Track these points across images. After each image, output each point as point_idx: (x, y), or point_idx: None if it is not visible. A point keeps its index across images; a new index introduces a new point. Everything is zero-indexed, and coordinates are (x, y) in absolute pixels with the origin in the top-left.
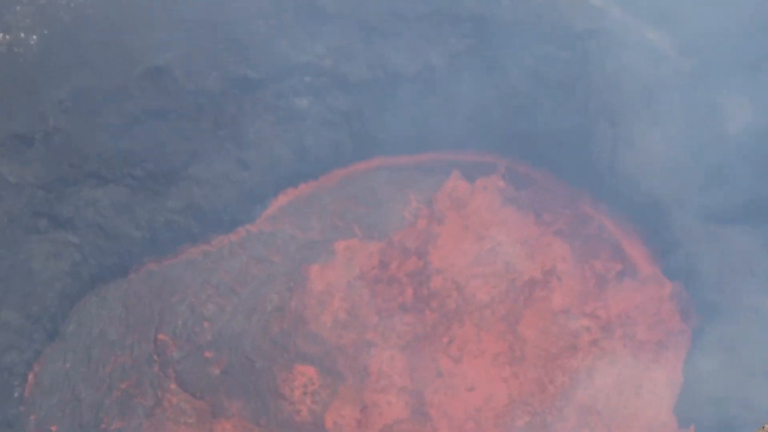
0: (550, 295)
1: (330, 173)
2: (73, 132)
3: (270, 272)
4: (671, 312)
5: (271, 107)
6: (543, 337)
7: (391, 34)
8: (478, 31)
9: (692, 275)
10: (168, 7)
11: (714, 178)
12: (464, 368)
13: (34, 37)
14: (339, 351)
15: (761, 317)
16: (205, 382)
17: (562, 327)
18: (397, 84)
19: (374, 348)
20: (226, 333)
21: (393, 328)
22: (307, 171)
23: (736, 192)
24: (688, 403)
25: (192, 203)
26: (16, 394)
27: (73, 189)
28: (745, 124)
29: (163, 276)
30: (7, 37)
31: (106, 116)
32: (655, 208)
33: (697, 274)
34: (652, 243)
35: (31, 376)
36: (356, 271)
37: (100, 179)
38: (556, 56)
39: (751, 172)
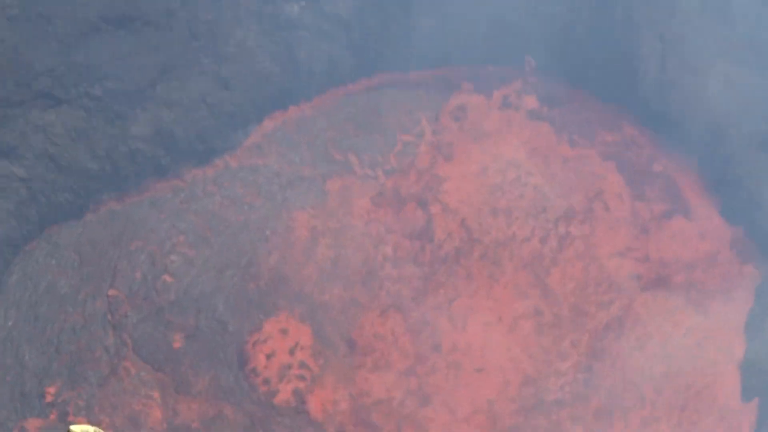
0: (592, 234)
1: (325, 93)
2: (19, 43)
3: (248, 217)
4: (730, 260)
5: (255, 13)
6: (581, 291)
7: None
8: None
9: (755, 216)
10: None
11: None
12: (471, 339)
13: None
14: (325, 312)
15: None
16: (166, 351)
17: (607, 275)
18: None
19: (365, 310)
20: (193, 291)
21: (390, 285)
22: (299, 90)
23: None
24: (752, 371)
25: (161, 129)
26: None
27: (18, 112)
28: None
29: (126, 217)
30: None
31: (58, 24)
32: (712, 135)
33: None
34: (709, 177)
35: None
36: (350, 218)
37: (52, 100)
38: None
39: None
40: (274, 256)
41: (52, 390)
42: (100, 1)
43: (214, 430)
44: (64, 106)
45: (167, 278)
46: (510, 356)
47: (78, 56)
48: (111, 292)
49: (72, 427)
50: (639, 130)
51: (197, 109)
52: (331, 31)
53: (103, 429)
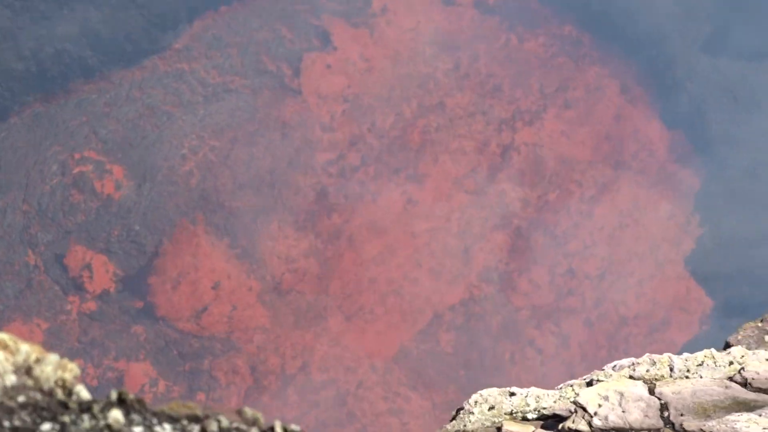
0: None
1: None
2: None
3: (165, 130)
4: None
5: None
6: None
7: None
8: None
9: (694, 120)
10: None
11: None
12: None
13: None
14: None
15: None
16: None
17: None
18: None
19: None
20: (104, 211)
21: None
22: None
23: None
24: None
25: (88, 29)
26: None
27: None
28: None
29: (49, 119)
30: None
31: None
32: (654, 39)
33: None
34: (650, 81)
35: None
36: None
37: None
38: None
39: None
40: (191, 174)
41: None
42: None
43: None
44: None
45: (76, 195)
46: None
47: None
48: (24, 207)
49: None
50: (580, 31)
51: (126, 9)
52: None
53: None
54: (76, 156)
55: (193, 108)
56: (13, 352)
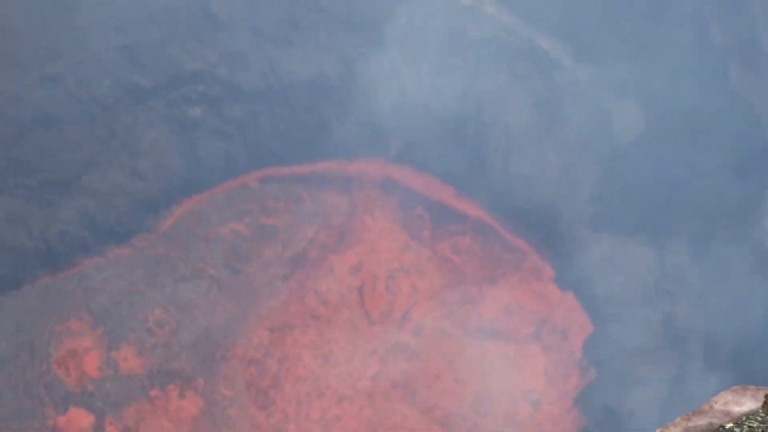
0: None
1: (224, 182)
2: None
3: (138, 304)
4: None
5: (164, 116)
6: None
7: (284, 42)
8: (369, 37)
9: (582, 284)
10: (59, 14)
11: (606, 186)
12: None
13: None
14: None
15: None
16: None
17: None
18: (292, 92)
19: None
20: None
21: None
22: (201, 181)
23: (628, 201)
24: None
25: (85, 214)
26: None
27: None
28: (636, 134)
29: (56, 290)
30: None
31: None
32: (548, 217)
33: (588, 283)
34: (546, 251)
35: None
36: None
37: None
38: (450, 63)
39: (639, 182)
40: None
41: None
42: (32, 107)
43: None
44: (4, 195)
45: (56, 369)
46: None
47: (15, 152)
48: (36, 364)
49: None
50: (489, 213)
51: (116, 197)
52: (228, 131)
53: None
54: (71, 324)
55: (163, 287)
56: None
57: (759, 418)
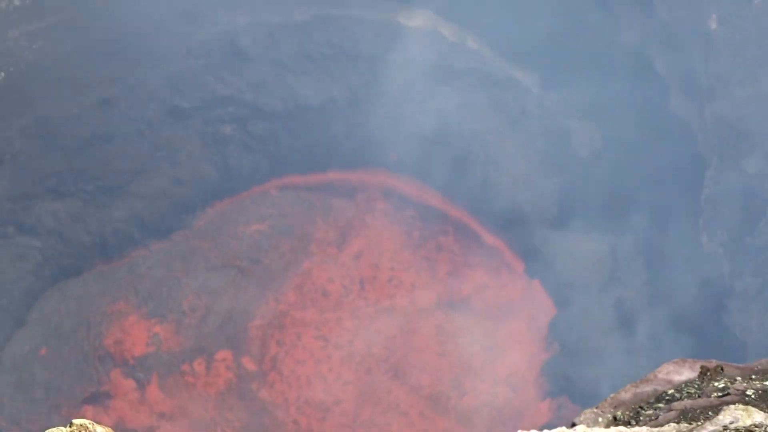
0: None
1: (249, 189)
2: (35, 153)
3: (176, 289)
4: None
5: (200, 132)
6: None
7: (300, 72)
8: (373, 68)
9: (547, 273)
10: (113, 48)
11: (567, 192)
12: None
13: (2, 73)
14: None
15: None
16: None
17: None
18: (306, 113)
19: None
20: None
21: None
22: (230, 186)
23: (585, 204)
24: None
25: (134, 214)
26: None
27: (35, 201)
28: (593, 149)
29: (109, 277)
30: None
31: (62, 140)
32: (518, 219)
33: (552, 272)
34: (517, 247)
35: None
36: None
37: (58, 193)
38: (438, 90)
39: (595, 189)
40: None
41: (57, 397)
42: (91, 123)
43: None
44: (66, 198)
45: (107, 344)
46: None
47: (76, 163)
48: (91, 339)
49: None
50: (466, 216)
51: (159, 200)
52: (253, 145)
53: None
54: (120, 306)
55: (196, 275)
56: None
57: (695, 386)
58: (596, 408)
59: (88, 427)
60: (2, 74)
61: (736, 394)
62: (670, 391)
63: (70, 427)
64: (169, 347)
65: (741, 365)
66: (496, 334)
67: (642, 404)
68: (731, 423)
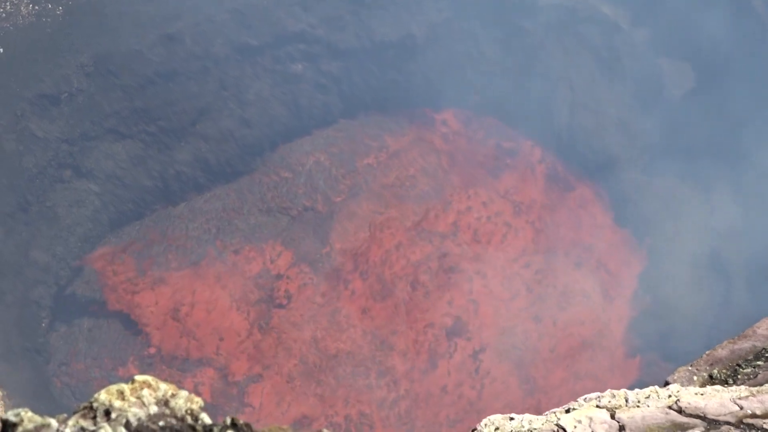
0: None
1: (319, 129)
2: (94, 92)
3: (250, 224)
4: (621, 252)
5: (269, 71)
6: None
7: (376, 6)
8: (454, 4)
9: (638, 223)
10: None
11: (659, 137)
12: None
13: (60, 7)
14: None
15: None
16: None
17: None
18: (382, 51)
19: None
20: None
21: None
22: (301, 127)
23: (678, 150)
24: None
25: (199, 157)
26: (43, 325)
27: (94, 143)
28: (686, 89)
29: (168, 217)
30: (36, 7)
31: (123, 78)
32: (608, 164)
33: (644, 222)
34: (605, 195)
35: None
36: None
37: (118, 135)
38: (521, 26)
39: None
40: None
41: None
42: (154, 60)
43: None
44: (127, 140)
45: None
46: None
47: (138, 102)
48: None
49: (136, 377)
50: (556, 160)
51: (226, 142)
52: (326, 84)
53: None
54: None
55: (269, 210)
56: (155, 390)
57: None
58: (690, 366)
59: (151, 384)
60: (60, 9)
61: None
62: None
63: (132, 383)
64: None
65: None
66: (587, 283)
67: (740, 362)
68: None
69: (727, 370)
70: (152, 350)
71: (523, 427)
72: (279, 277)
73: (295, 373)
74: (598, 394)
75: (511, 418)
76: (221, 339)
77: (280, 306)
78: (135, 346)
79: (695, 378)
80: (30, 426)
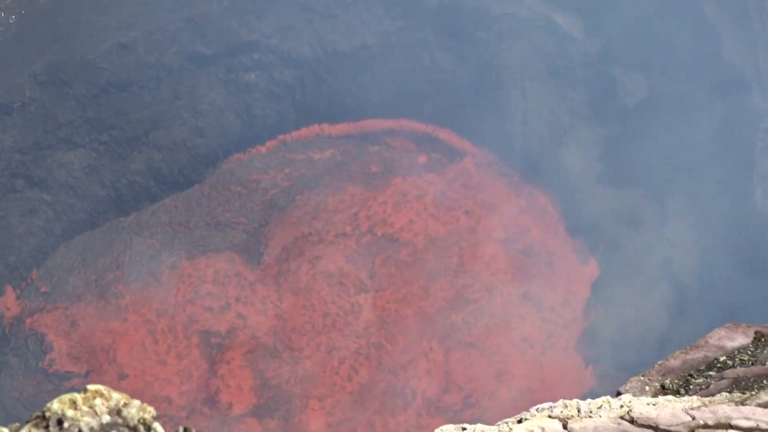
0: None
1: (274, 138)
2: (47, 102)
3: (204, 235)
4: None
5: (223, 80)
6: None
7: (329, 16)
8: (408, 13)
9: (591, 230)
10: None
11: (612, 146)
12: None
13: (13, 17)
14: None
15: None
16: None
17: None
18: (335, 60)
19: None
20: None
21: None
22: (254, 137)
23: (630, 158)
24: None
25: (152, 166)
26: None
27: (47, 153)
28: (641, 98)
29: (122, 230)
30: None
31: (76, 87)
32: (558, 171)
33: (596, 231)
34: (557, 201)
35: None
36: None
37: (71, 144)
38: (475, 36)
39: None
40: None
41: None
42: (107, 70)
43: None
44: (80, 149)
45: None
46: None
47: (91, 112)
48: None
49: (88, 386)
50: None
51: (179, 151)
52: (279, 93)
53: None
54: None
55: (218, 225)
56: (108, 399)
57: (749, 352)
58: (643, 376)
59: (103, 393)
60: (13, 17)
61: None
62: (722, 358)
63: (84, 393)
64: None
65: None
66: (535, 296)
67: (692, 372)
68: None
69: (680, 380)
70: None
71: None
72: None
73: None
74: (551, 404)
75: (464, 428)
76: None
77: None
78: None
79: (647, 388)
80: None
